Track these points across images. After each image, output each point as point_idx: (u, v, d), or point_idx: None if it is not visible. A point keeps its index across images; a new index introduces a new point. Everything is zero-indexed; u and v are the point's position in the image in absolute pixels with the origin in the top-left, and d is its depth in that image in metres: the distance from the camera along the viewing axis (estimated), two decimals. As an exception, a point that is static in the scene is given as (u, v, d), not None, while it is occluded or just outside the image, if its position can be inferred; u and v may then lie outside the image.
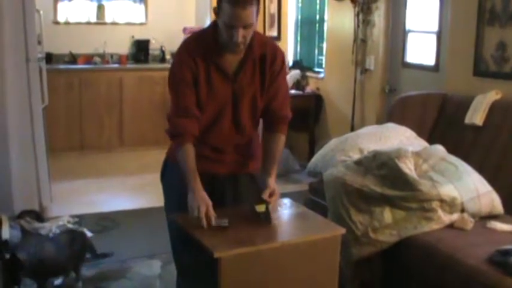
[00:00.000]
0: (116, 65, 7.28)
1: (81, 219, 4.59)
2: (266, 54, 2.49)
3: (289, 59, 6.84)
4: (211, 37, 2.43)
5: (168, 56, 7.47)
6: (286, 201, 2.67)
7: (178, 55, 2.49)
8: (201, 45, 2.45)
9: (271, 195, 2.39)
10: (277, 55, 2.53)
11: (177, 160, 2.44)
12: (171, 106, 2.51)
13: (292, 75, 6.33)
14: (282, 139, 2.57)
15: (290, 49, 6.92)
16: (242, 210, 2.43)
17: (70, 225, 4.27)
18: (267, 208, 2.35)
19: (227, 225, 2.30)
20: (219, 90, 2.45)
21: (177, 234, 2.53)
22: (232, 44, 2.36)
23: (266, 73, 2.50)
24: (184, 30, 7.32)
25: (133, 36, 7.55)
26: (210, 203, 2.32)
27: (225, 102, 2.48)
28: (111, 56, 7.37)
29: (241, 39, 2.33)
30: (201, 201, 2.30)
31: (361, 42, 5.39)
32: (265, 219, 2.35)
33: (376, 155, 3.29)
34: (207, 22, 6.81)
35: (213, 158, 2.52)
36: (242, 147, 2.60)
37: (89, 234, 4.23)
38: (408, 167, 3.13)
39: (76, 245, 3.46)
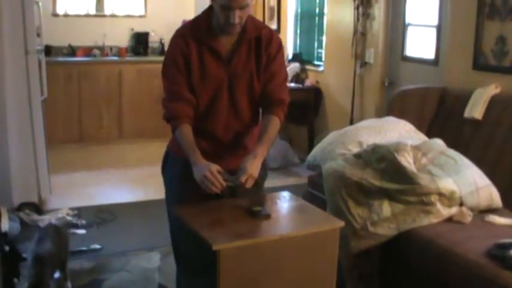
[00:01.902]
0: (115, 58, 7.27)
1: (80, 211, 4.62)
2: (261, 36, 2.50)
3: (289, 52, 6.84)
4: (206, 20, 2.47)
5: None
6: (285, 194, 2.67)
7: (171, 40, 2.53)
8: (195, 28, 2.48)
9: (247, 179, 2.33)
10: (273, 38, 2.54)
11: (177, 141, 2.46)
12: (164, 91, 2.53)
13: (292, 68, 6.33)
14: (275, 121, 2.53)
15: (290, 42, 6.92)
16: (241, 204, 2.43)
17: (69, 217, 4.30)
18: (263, 207, 2.36)
19: (233, 184, 2.32)
20: (213, 72, 2.46)
21: (177, 226, 2.53)
22: (229, 26, 2.38)
23: (262, 56, 2.50)
24: (184, 22, 7.30)
25: (132, 29, 7.54)
26: (213, 167, 2.30)
27: (220, 85, 2.48)
28: (111, 48, 7.35)
29: (238, 20, 2.36)
30: (204, 170, 2.29)
31: (360, 36, 5.39)
32: (263, 216, 2.34)
33: (375, 149, 3.29)
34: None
35: (210, 153, 2.48)
36: (241, 137, 2.58)
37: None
38: (407, 161, 3.13)
39: (61, 238, 3.44)
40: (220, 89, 2.49)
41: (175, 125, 2.45)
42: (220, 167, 2.37)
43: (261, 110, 2.62)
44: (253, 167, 2.35)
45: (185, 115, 2.46)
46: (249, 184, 2.34)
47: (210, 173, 2.28)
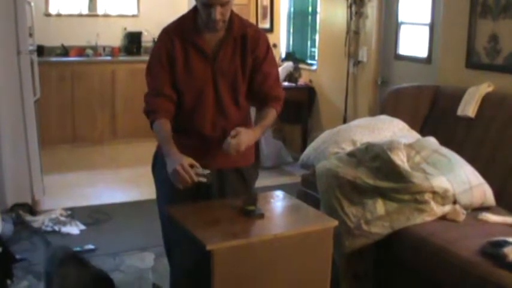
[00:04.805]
0: (108, 58, 7.25)
1: (73, 212, 4.61)
2: (247, 34, 2.52)
3: (282, 51, 6.83)
4: (191, 19, 2.51)
5: (160, 48, 7.42)
6: (279, 193, 2.68)
7: (157, 38, 2.60)
8: (180, 26, 2.53)
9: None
10: (260, 38, 2.56)
11: (155, 134, 2.49)
12: (147, 87, 2.57)
13: (285, 67, 6.32)
14: (271, 111, 2.57)
15: (283, 41, 6.92)
16: (234, 203, 2.43)
17: (62, 218, 4.26)
18: (256, 206, 2.35)
19: (205, 180, 2.32)
20: (198, 69, 2.49)
21: (170, 226, 2.53)
22: (211, 22, 2.41)
23: (247, 55, 2.52)
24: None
25: (125, 28, 7.52)
26: (185, 161, 2.30)
27: (205, 82, 2.50)
28: (104, 48, 7.33)
29: (220, 16, 2.39)
30: (176, 163, 2.30)
31: (353, 34, 5.39)
32: (257, 215, 2.34)
33: (368, 147, 3.29)
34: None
35: (199, 149, 2.49)
36: (228, 135, 2.57)
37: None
38: (401, 159, 3.13)
39: None
40: (206, 86, 2.51)
41: (154, 118, 2.49)
42: (208, 164, 2.38)
43: (254, 109, 2.64)
44: (243, 132, 2.36)
45: (164, 110, 2.49)
46: (233, 143, 2.34)
47: (181, 166, 2.28)
